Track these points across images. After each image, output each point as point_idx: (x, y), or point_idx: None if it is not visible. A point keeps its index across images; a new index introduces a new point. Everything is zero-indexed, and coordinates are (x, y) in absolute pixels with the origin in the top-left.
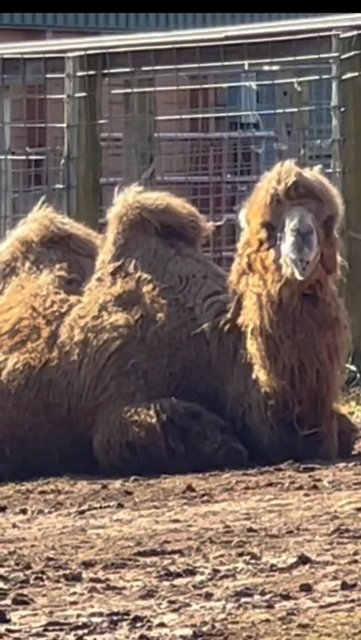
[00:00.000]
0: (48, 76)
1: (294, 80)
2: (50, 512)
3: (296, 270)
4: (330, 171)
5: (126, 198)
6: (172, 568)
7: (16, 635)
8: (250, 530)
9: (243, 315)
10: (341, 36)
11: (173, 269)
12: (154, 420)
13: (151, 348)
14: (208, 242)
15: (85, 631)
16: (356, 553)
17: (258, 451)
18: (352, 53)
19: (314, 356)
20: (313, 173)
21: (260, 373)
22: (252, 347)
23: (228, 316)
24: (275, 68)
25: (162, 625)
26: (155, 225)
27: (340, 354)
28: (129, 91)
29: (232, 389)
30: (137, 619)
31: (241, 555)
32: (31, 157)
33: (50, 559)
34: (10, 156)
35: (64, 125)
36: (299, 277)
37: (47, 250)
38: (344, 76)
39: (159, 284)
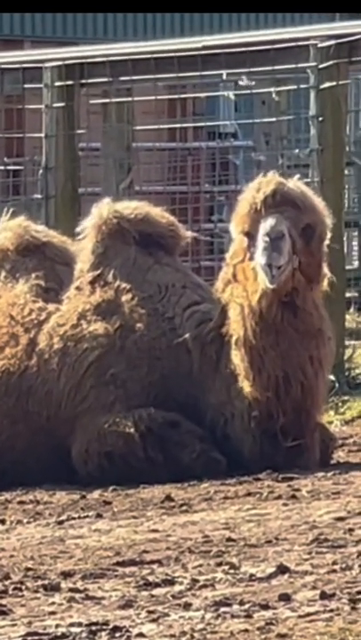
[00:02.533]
0: (26, 86)
1: (272, 90)
2: (29, 522)
3: (266, 277)
4: (308, 180)
5: (104, 208)
6: (150, 578)
7: None
8: (229, 539)
9: (227, 325)
10: (319, 45)
11: (152, 278)
12: (132, 430)
13: (130, 357)
14: (187, 251)
15: None
16: (334, 562)
17: (237, 461)
18: (330, 63)
19: (298, 367)
20: (296, 183)
21: (244, 384)
22: (236, 357)
23: (212, 324)
24: (252, 83)
25: (141, 635)
26: (133, 234)
27: (325, 366)
28: (107, 100)
29: (214, 399)
30: (116, 629)
31: (220, 564)
32: (9, 167)
33: (29, 569)
34: None
35: (42, 135)
36: (268, 285)
37: (23, 258)
38: (322, 86)
39: (138, 294)
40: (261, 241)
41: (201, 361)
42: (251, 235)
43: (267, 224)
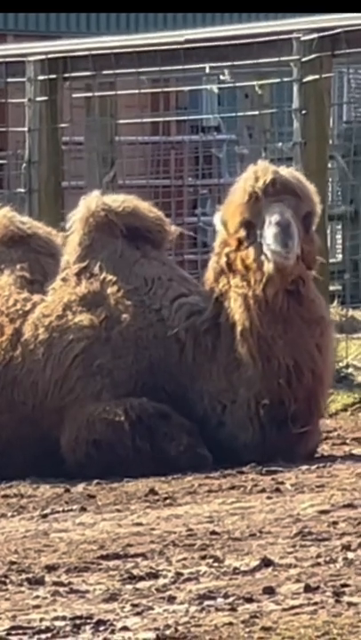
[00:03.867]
0: (9, 80)
1: (255, 83)
2: (13, 516)
3: (279, 259)
4: None
5: (92, 200)
6: (135, 571)
7: None
8: (213, 533)
9: (224, 315)
10: (302, 38)
11: (139, 271)
12: (122, 418)
13: (116, 347)
14: (170, 245)
15: (49, 635)
16: (318, 555)
17: (230, 448)
18: (313, 56)
19: (307, 355)
20: (289, 171)
21: (251, 373)
22: (243, 347)
23: (207, 315)
24: (232, 79)
25: (125, 628)
26: (121, 227)
27: (330, 352)
28: (90, 94)
29: (210, 387)
30: (100, 622)
31: (204, 558)
32: None
33: (13, 563)
34: None
35: (25, 129)
36: (285, 262)
37: (8, 249)
38: (305, 79)
39: (124, 286)
40: (271, 228)
41: (195, 351)
42: (251, 223)
43: (274, 212)
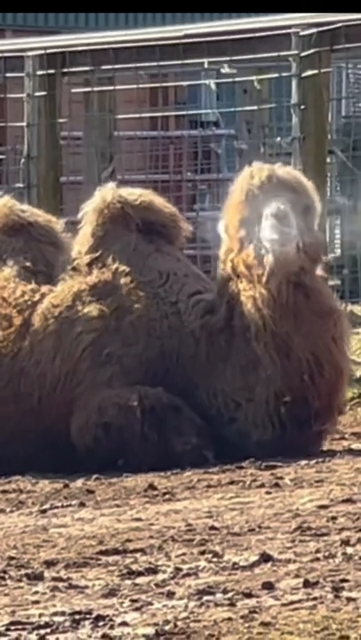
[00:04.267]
0: (8, 75)
1: (254, 78)
2: (12, 511)
3: (277, 247)
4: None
5: (108, 192)
6: (134, 567)
7: None
8: (212, 528)
9: (238, 317)
10: (301, 33)
11: (153, 265)
12: (135, 404)
13: (126, 336)
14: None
15: (48, 630)
16: (317, 551)
17: (239, 446)
18: (312, 51)
19: (325, 349)
20: (285, 168)
21: (271, 372)
22: (260, 348)
23: (220, 315)
24: (234, 70)
25: (124, 624)
26: (136, 221)
27: (346, 343)
28: (89, 89)
29: (225, 385)
30: (99, 617)
31: (203, 553)
32: None
33: (12, 558)
34: None
35: (24, 124)
36: (283, 250)
37: (9, 238)
38: (304, 74)
39: (137, 277)
40: (267, 221)
41: (208, 349)
42: (250, 221)
43: (271, 206)
